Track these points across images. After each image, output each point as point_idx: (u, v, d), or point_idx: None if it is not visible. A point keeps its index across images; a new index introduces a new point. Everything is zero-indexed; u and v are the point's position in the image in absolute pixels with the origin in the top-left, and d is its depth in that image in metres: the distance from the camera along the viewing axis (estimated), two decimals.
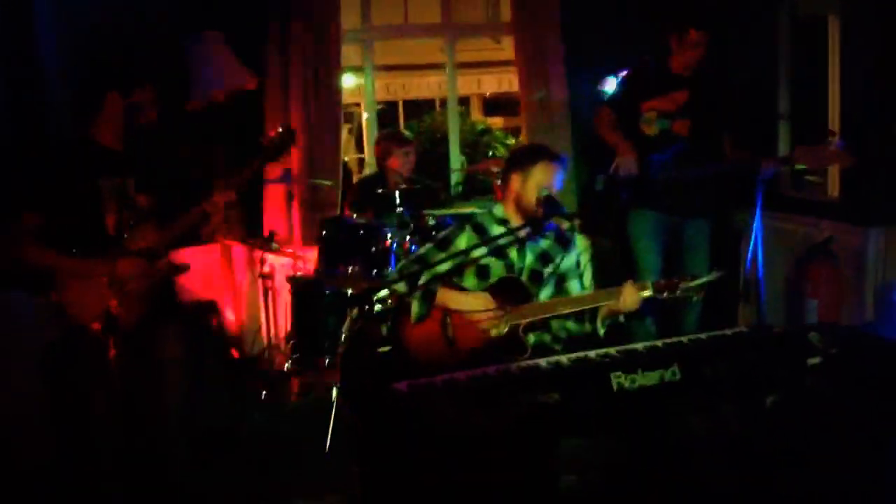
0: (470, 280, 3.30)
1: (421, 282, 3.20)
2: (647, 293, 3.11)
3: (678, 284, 3.09)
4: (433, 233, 4.41)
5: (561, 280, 3.40)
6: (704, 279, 3.10)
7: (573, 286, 3.40)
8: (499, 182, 4.83)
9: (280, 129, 3.13)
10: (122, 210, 2.95)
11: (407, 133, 5.22)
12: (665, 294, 3.10)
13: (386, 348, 3.82)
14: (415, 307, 3.21)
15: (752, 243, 3.78)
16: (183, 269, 3.17)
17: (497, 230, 3.30)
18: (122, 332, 2.95)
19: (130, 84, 2.96)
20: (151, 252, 3.00)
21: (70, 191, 2.89)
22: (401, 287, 3.21)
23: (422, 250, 3.37)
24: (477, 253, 3.26)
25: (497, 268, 3.30)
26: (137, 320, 2.98)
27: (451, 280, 3.28)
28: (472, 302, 3.18)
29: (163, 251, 3.05)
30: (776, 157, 4.63)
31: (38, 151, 3.22)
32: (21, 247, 2.91)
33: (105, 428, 2.97)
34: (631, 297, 3.08)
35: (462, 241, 3.30)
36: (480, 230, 3.33)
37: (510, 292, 3.22)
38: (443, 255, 3.22)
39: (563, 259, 3.39)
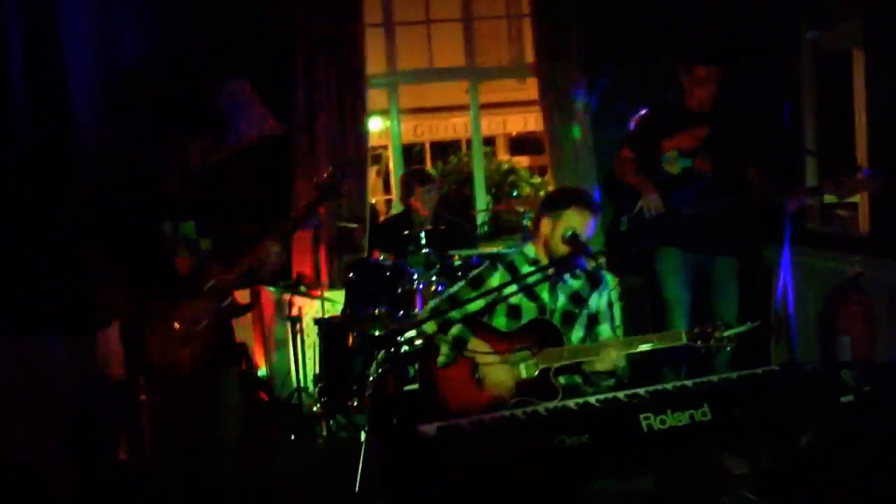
0: (500, 320, 3.29)
1: (453, 319, 3.20)
2: (681, 342, 3.11)
3: (712, 334, 3.08)
4: (459, 273, 4.42)
5: (593, 321, 3.38)
6: (739, 329, 3.09)
7: (605, 329, 3.38)
8: (526, 222, 4.85)
9: (331, 170, 3.16)
10: (190, 253, 2.98)
11: (430, 170, 5.26)
12: (699, 343, 3.09)
13: (414, 387, 3.82)
14: (444, 351, 3.21)
15: (781, 280, 3.75)
16: (246, 309, 3.19)
17: (528, 270, 3.30)
18: (176, 376, 2.95)
19: (166, 128, 3.01)
20: (220, 293, 3.01)
21: (136, 235, 2.93)
22: (431, 326, 3.21)
23: (454, 288, 3.37)
24: (508, 291, 3.25)
25: (529, 309, 3.29)
26: (200, 362, 2.99)
27: (482, 320, 3.27)
28: (497, 373, 3.16)
29: (229, 292, 3.06)
30: (803, 187, 4.61)
31: (98, 187, 3.25)
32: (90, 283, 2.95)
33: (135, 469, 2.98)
34: (606, 358, 3.12)
35: (494, 280, 3.30)
36: (512, 269, 3.33)
37: (541, 334, 3.21)
38: (474, 294, 3.22)
39: (594, 299, 3.38)
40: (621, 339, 3.25)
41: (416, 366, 4.03)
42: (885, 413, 3.37)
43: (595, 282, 3.39)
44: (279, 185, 5.47)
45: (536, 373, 3.15)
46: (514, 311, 3.29)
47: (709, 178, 4.17)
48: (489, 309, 3.28)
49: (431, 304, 3.40)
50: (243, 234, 3.13)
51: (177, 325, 2.89)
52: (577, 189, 3.51)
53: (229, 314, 3.08)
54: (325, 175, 3.15)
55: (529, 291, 3.29)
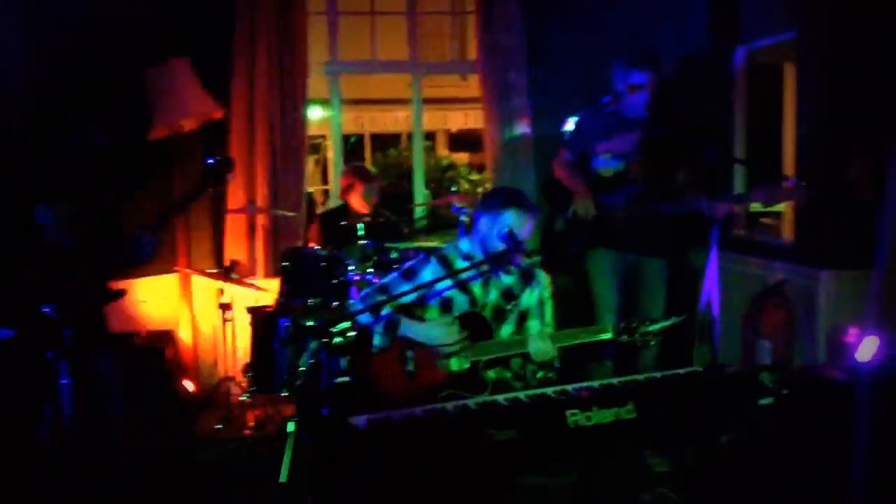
0: (433, 313, 3.32)
1: (384, 311, 3.21)
2: (606, 335, 3.18)
3: (637, 328, 3.17)
4: (394, 266, 4.42)
5: (523, 317, 3.43)
6: (663, 324, 3.20)
7: (533, 324, 3.43)
8: (463, 218, 4.88)
9: (217, 158, 3.12)
10: (64, 238, 2.92)
11: (372, 169, 5.26)
12: (624, 337, 3.17)
13: (345, 379, 3.80)
14: (377, 338, 3.22)
15: (706, 283, 3.85)
16: (118, 295, 3.13)
17: (462, 264, 3.32)
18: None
19: (85, 108, 2.94)
20: (95, 279, 2.96)
21: (7, 215, 2.86)
22: (364, 318, 3.21)
23: (386, 279, 3.38)
24: (441, 285, 3.27)
25: (461, 302, 3.32)
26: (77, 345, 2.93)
27: (414, 312, 3.29)
28: (436, 334, 3.19)
29: (104, 280, 3.02)
30: (731, 194, 4.74)
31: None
32: None
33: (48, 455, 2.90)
34: (539, 351, 3.20)
35: (427, 273, 3.32)
36: (446, 263, 3.35)
37: (472, 327, 3.24)
38: (407, 286, 3.24)
39: (526, 296, 3.42)
40: (550, 333, 3.30)
41: (349, 357, 4.03)
42: (802, 415, 3.49)
43: (527, 278, 3.44)
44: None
45: (467, 366, 3.18)
46: (446, 304, 3.32)
47: (640, 183, 4.25)
48: (421, 302, 3.30)
49: (363, 292, 3.40)
50: (117, 220, 3.09)
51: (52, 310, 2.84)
52: (517, 190, 3.55)
53: (101, 300, 3.05)
54: (209, 161, 3.12)
55: (462, 285, 3.32)
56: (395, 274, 3.39)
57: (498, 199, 3.33)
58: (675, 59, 5.27)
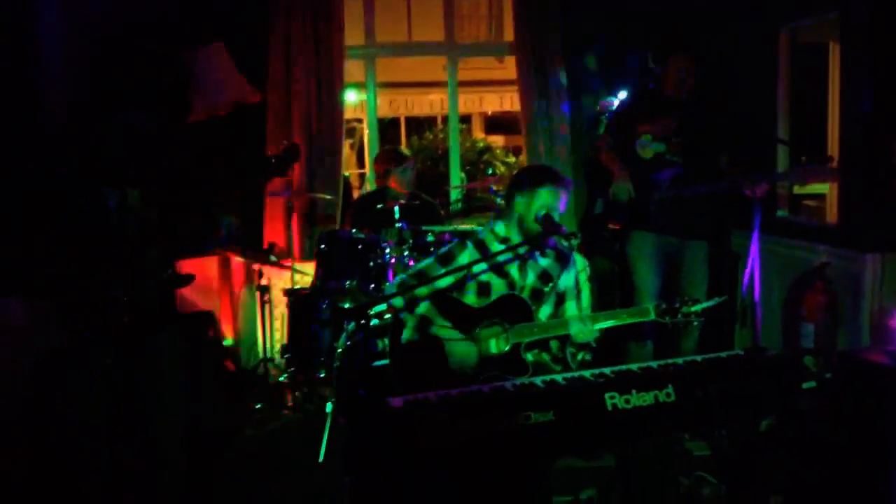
0: (471, 297, 3.30)
1: (420, 308, 3.21)
2: (648, 316, 3.16)
3: (679, 308, 3.14)
4: (431, 249, 4.42)
5: (560, 300, 3.41)
6: (705, 304, 3.15)
7: (571, 306, 3.41)
8: (499, 201, 4.86)
9: (284, 145, 3.13)
10: (135, 222, 2.94)
11: (406, 150, 5.24)
12: (666, 318, 3.14)
13: (384, 361, 3.83)
14: (407, 331, 3.22)
15: (749, 266, 3.79)
16: (188, 279, 3.17)
17: (498, 248, 3.31)
18: (125, 337, 2.93)
19: (132, 94, 2.96)
20: (163, 262, 2.98)
21: (78, 199, 2.88)
22: (399, 302, 3.21)
23: (422, 264, 3.37)
24: (477, 269, 3.27)
25: (498, 285, 3.30)
26: (141, 327, 2.96)
27: (451, 296, 3.28)
28: (459, 351, 3.20)
29: (173, 261, 3.04)
30: (768, 174, 4.65)
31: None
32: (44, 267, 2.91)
33: (92, 436, 2.94)
34: (578, 329, 3.17)
35: (464, 257, 3.31)
36: (482, 247, 3.34)
37: (511, 310, 3.23)
38: (443, 270, 3.23)
39: (563, 278, 3.40)
40: (590, 315, 3.27)
41: (386, 340, 4.05)
42: (845, 400, 3.44)
43: (564, 261, 3.41)
44: (252, 154, 5.41)
45: (507, 348, 3.17)
46: (484, 289, 3.30)
47: (680, 164, 4.21)
48: (459, 286, 3.29)
49: (399, 278, 3.40)
50: (189, 204, 3.10)
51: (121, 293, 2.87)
52: (547, 167, 3.53)
53: (170, 284, 3.07)
54: (275, 150, 3.13)
55: (499, 269, 3.31)
56: (430, 259, 3.38)
57: (531, 178, 3.32)
58: (718, 39, 5.18)
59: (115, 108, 2.92)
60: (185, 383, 3.18)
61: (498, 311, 3.23)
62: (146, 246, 2.94)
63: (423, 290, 3.22)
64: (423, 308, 3.21)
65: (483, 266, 3.28)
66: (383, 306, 4.25)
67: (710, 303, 3.18)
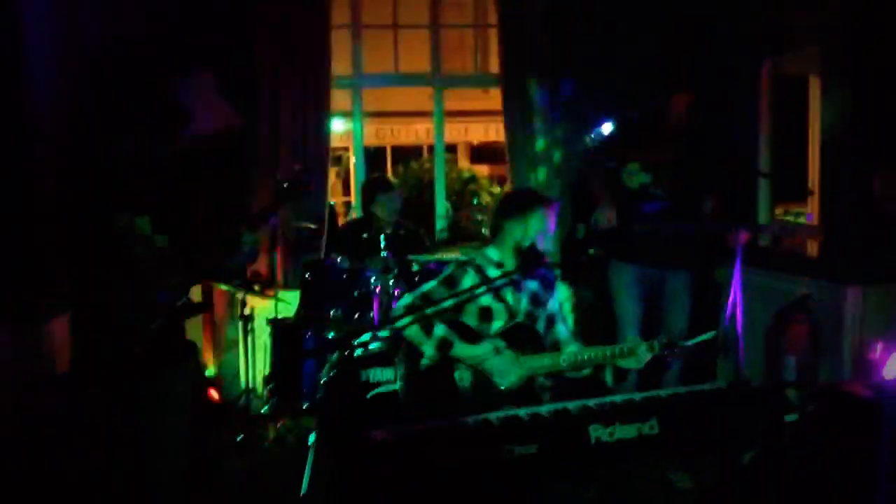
0: (471, 321, 3.30)
1: (437, 331, 3.19)
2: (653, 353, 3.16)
3: (675, 344, 3.16)
4: (416, 279, 4.42)
5: (550, 322, 3.43)
6: (702, 338, 3.16)
7: (561, 329, 3.43)
8: (485, 230, 4.87)
9: (297, 169, 3.11)
10: (145, 248, 2.90)
11: (393, 179, 5.25)
12: (666, 353, 3.16)
13: (390, 388, 3.80)
14: (428, 351, 3.18)
15: (731, 297, 3.81)
16: (201, 308, 3.12)
17: (494, 273, 3.33)
18: (136, 370, 2.89)
19: (121, 117, 2.94)
20: (180, 289, 2.95)
21: (91, 231, 2.85)
22: (414, 331, 3.17)
23: (426, 288, 3.33)
24: (479, 293, 3.27)
25: (499, 310, 3.31)
26: (151, 361, 2.93)
27: (461, 321, 3.27)
28: (495, 362, 3.18)
29: (187, 288, 2.99)
30: (754, 224, 4.69)
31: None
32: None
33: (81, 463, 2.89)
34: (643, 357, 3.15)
35: (467, 281, 3.30)
36: (481, 272, 3.35)
37: (522, 338, 3.24)
38: (448, 294, 3.22)
39: (549, 301, 3.43)
40: (619, 349, 3.24)
41: (370, 371, 4.04)
42: (827, 433, 3.45)
43: (548, 285, 3.46)
44: (236, 182, 5.41)
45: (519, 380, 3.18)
46: (486, 314, 3.30)
47: (664, 199, 4.22)
48: (459, 309, 3.28)
49: (406, 300, 3.33)
50: (199, 229, 3.07)
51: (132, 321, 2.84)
52: (531, 190, 3.58)
53: (184, 313, 3.02)
54: (291, 173, 3.10)
55: (497, 294, 3.32)
56: (433, 282, 3.35)
57: (520, 203, 3.36)
58: (701, 72, 5.24)
59: (104, 132, 2.90)
60: (188, 420, 3.11)
61: (508, 340, 3.23)
62: (161, 274, 2.88)
63: (429, 312, 3.18)
64: (441, 332, 3.18)
65: (483, 291, 3.28)
66: (367, 336, 4.26)
67: (703, 337, 3.20)
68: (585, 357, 3.21)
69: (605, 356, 3.20)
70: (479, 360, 3.16)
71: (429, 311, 3.16)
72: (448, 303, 3.20)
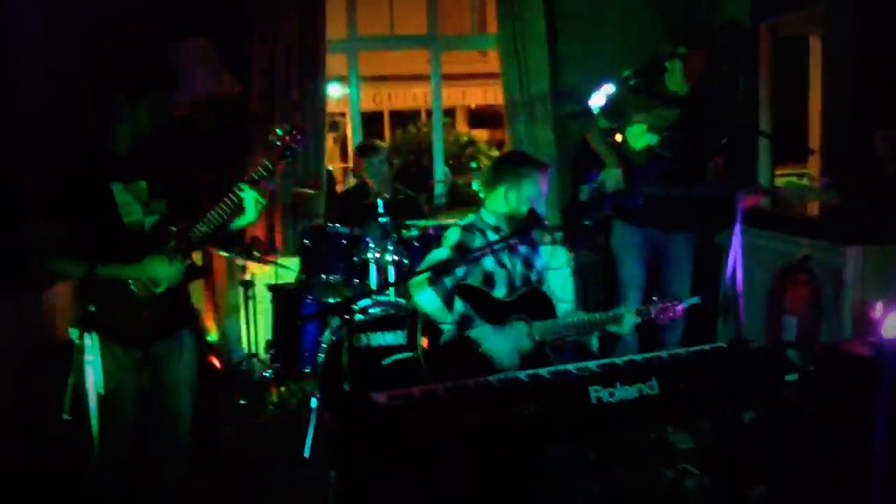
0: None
1: (458, 307, 3.18)
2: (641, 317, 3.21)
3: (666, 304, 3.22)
4: (415, 243, 4.40)
5: (540, 283, 3.44)
6: (689, 301, 3.25)
7: (552, 286, 3.46)
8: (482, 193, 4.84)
9: (289, 126, 3.05)
10: (143, 214, 2.88)
11: (380, 143, 5.14)
12: (657, 314, 3.23)
13: (397, 357, 3.79)
14: (447, 330, 3.16)
15: (731, 259, 3.81)
16: (203, 272, 3.10)
17: (493, 237, 3.33)
18: (141, 336, 2.88)
19: (112, 85, 2.89)
20: (184, 253, 2.93)
21: (86, 197, 2.82)
22: (429, 301, 3.15)
23: (438, 256, 3.30)
24: (487, 259, 3.28)
25: (500, 276, 3.31)
26: (159, 324, 2.93)
27: (475, 287, 3.25)
28: (499, 347, 3.18)
29: (189, 253, 2.98)
30: (759, 187, 4.64)
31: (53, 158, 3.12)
32: (48, 257, 2.86)
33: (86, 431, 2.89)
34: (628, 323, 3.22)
35: (478, 243, 3.30)
36: (484, 235, 3.34)
37: (535, 305, 3.26)
38: (463, 262, 3.22)
39: (536, 262, 3.46)
40: (606, 315, 3.28)
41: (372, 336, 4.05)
42: (828, 392, 3.46)
43: (533, 245, 3.48)
44: (233, 146, 5.37)
45: (532, 345, 3.20)
46: (489, 278, 3.30)
47: (669, 160, 4.19)
48: (465, 274, 3.27)
49: (425, 270, 3.23)
50: (197, 193, 3.04)
51: (135, 288, 2.82)
52: (522, 153, 3.60)
53: (188, 276, 3.01)
54: (283, 134, 3.04)
55: (498, 258, 3.32)
56: (443, 251, 3.32)
57: (513, 167, 3.34)
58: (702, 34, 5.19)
59: (101, 100, 2.85)
60: (195, 386, 3.11)
61: (522, 307, 3.24)
62: (160, 239, 2.86)
63: (448, 282, 3.18)
64: (459, 306, 3.16)
65: (489, 256, 3.29)
66: (368, 301, 4.25)
67: (693, 300, 3.26)
68: (575, 321, 3.24)
69: (595, 321, 3.24)
70: (489, 341, 3.16)
71: (447, 280, 3.14)
72: (461, 270, 3.20)
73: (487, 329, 3.19)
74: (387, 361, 3.84)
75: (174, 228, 2.90)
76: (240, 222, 3.01)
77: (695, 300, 3.35)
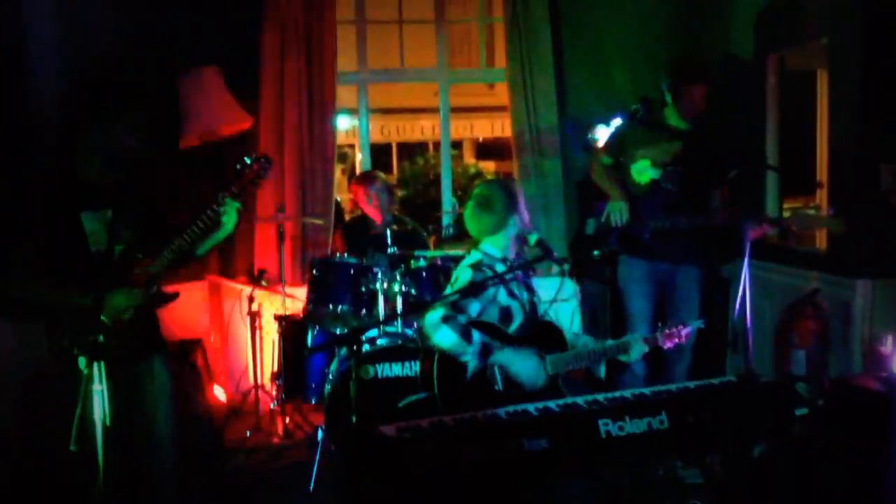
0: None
1: (476, 337, 3.12)
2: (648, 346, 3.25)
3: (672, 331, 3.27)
4: (423, 274, 4.40)
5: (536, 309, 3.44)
6: (694, 325, 3.30)
7: (560, 318, 3.45)
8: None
9: (255, 157, 3.05)
10: (110, 242, 2.90)
11: (379, 174, 5.15)
12: (664, 342, 3.28)
13: (414, 397, 3.70)
14: (471, 362, 3.09)
15: (740, 293, 3.80)
16: (172, 297, 3.11)
17: (501, 268, 3.31)
18: (110, 363, 2.89)
19: (119, 115, 2.92)
20: (148, 281, 2.95)
21: (55, 224, 2.85)
22: (446, 337, 3.07)
23: (450, 298, 3.18)
24: (501, 294, 3.27)
25: (516, 308, 3.30)
26: (127, 351, 2.93)
27: (490, 323, 3.23)
28: (521, 368, 3.15)
29: (154, 281, 3.00)
30: (766, 217, 4.64)
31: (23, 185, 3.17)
32: (15, 281, 2.88)
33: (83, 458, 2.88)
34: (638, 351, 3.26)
35: (489, 283, 3.26)
36: (493, 270, 3.30)
37: (546, 337, 3.25)
38: (475, 300, 3.18)
39: (532, 281, 3.47)
40: (615, 343, 3.30)
41: (376, 367, 4.03)
42: (838, 427, 3.43)
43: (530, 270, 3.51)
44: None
45: (547, 380, 3.18)
46: (506, 314, 3.28)
47: (674, 193, 4.20)
48: (481, 311, 3.24)
49: (436, 314, 3.11)
50: (166, 225, 3.07)
51: (103, 316, 2.83)
52: (497, 179, 3.63)
53: (156, 302, 3.03)
54: (248, 162, 3.03)
55: (510, 291, 3.31)
56: (454, 292, 3.21)
57: (513, 194, 3.36)
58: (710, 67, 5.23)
59: (104, 128, 2.87)
60: (172, 413, 3.11)
61: (533, 340, 3.22)
62: (126, 267, 2.89)
63: (463, 319, 3.12)
64: (477, 336, 3.11)
65: (501, 289, 3.27)
66: (375, 332, 4.24)
67: (696, 323, 3.30)
68: (585, 351, 3.25)
69: (604, 350, 3.25)
70: (510, 365, 3.13)
71: (461, 318, 3.10)
72: (475, 308, 3.18)
73: (509, 351, 3.15)
74: (402, 404, 3.76)
75: (140, 256, 2.93)
76: (216, 238, 3.02)
77: (698, 324, 3.38)
